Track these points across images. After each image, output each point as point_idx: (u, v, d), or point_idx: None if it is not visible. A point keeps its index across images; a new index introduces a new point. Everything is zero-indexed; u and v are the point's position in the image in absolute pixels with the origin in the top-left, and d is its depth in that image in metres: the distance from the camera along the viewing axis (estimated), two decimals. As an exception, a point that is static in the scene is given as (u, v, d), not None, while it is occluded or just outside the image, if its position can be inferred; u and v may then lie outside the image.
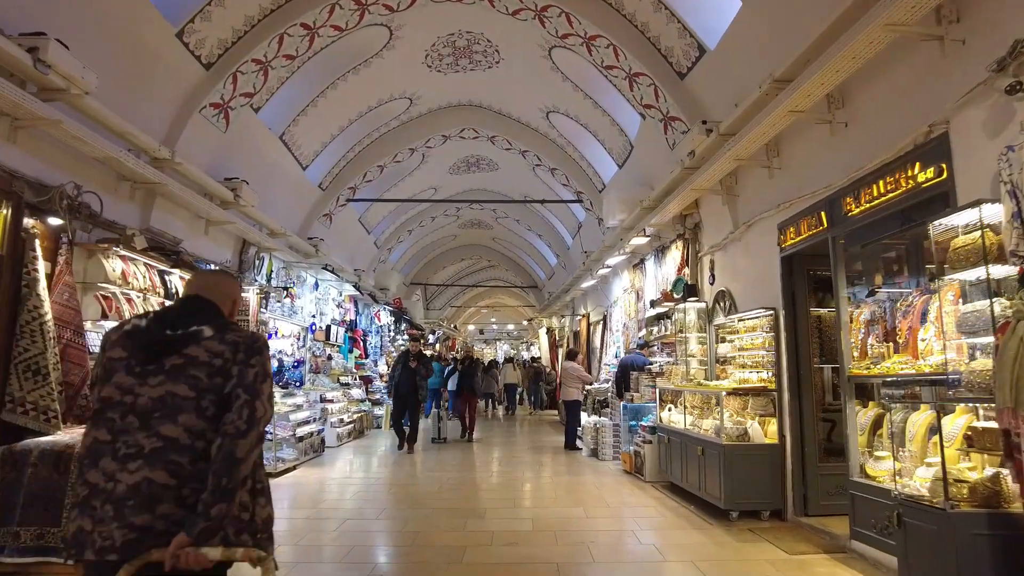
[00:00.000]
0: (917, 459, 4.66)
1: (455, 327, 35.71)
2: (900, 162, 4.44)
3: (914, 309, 4.96)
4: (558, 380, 22.69)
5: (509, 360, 24.37)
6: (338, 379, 13.39)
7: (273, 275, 10.44)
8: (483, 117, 12.00)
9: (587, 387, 12.01)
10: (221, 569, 1.84)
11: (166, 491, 1.76)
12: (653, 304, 9.40)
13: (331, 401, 12.21)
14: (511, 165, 13.73)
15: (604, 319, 14.09)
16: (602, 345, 14.01)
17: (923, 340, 4.76)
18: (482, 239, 22.03)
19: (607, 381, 12.30)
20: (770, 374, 6.35)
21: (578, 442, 11.51)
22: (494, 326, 41.24)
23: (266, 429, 1.90)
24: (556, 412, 19.06)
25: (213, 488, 1.75)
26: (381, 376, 16.24)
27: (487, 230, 20.56)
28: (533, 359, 26.55)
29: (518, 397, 22.05)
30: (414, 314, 21.99)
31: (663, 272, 9.64)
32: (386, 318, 17.90)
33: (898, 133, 4.52)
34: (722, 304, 7.66)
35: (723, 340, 7.73)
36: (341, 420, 12.44)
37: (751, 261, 6.96)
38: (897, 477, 4.74)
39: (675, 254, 9.07)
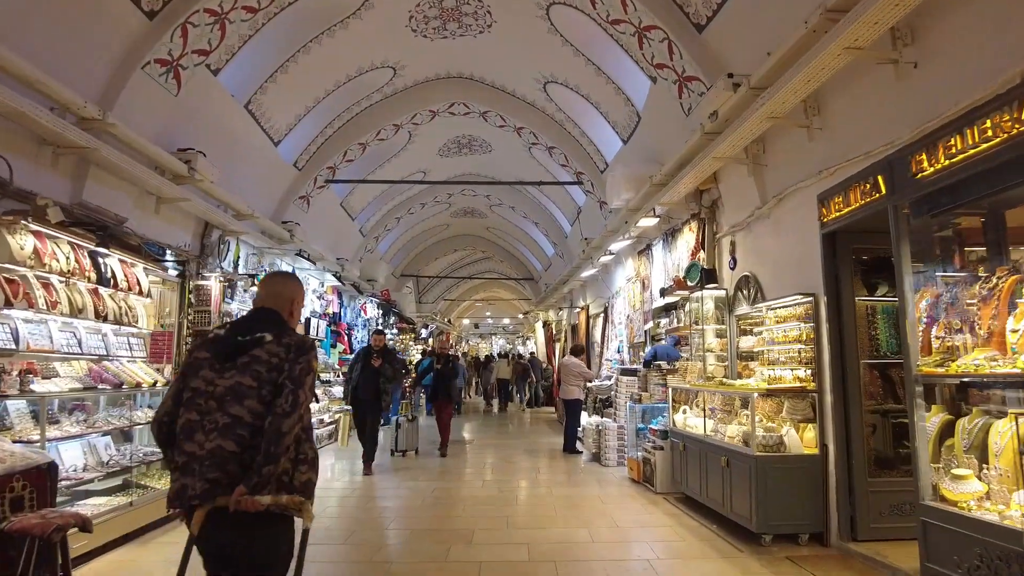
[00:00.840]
0: (1010, 480, 3.72)
1: (449, 321, 34.73)
2: (999, 103, 3.47)
3: (998, 293, 4.01)
4: (555, 376, 21.86)
5: (504, 355, 23.57)
6: (318, 376, 12.41)
7: (241, 262, 9.43)
8: (474, 90, 10.98)
9: (587, 384, 11.06)
10: (270, 514, 2.29)
11: (232, 456, 2.31)
12: (663, 293, 8.44)
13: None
14: (505, 146, 12.73)
15: (605, 311, 13.13)
16: (603, 339, 13.06)
17: (1014, 332, 3.82)
18: (476, 229, 21.02)
19: (609, 378, 11.37)
20: (808, 372, 5.39)
21: (578, 444, 10.56)
22: (489, 320, 40.27)
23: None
24: (554, 410, 18.14)
25: (264, 453, 2.29)
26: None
27: (481, 219, 19.55)
28: (519, 356, 25.84)
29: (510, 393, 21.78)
30: (404, 307, 21.00)
31: (673, 258, 8.68)
32: (373, 311, 16.90)
33: (991, 69, 3.56)
34: (745, 291, 6.70)
35: (746, 332, 6.78)
36: (321, 421, 11.48)
37: (783, 240, 6.00)
38: (984, 502, 3.81)
39: (688, 237, 8.11)
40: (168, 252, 7.59)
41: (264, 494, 2.24)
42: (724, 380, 6.15)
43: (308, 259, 11.11)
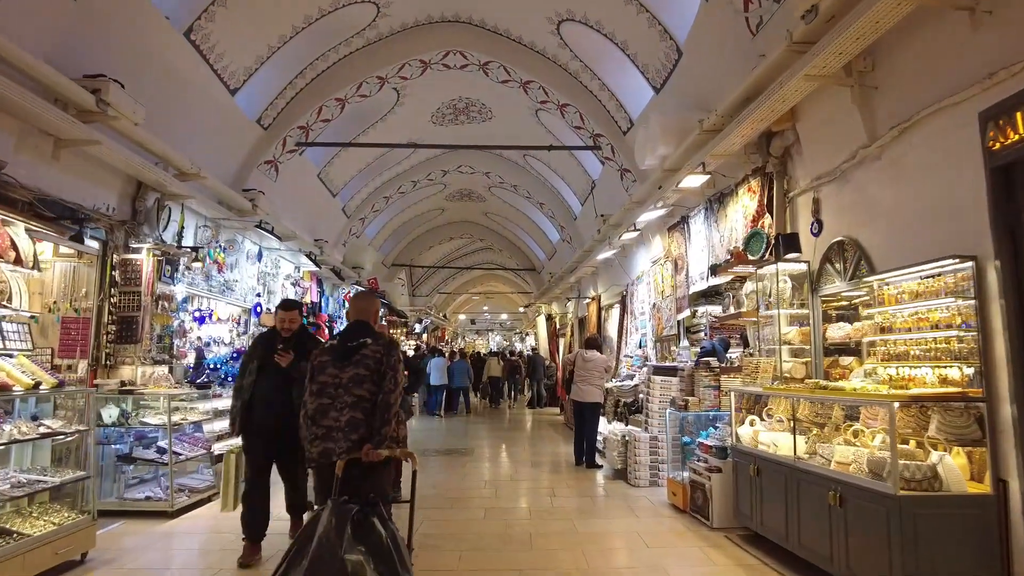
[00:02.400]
0: None
1: (444, 316, 33.02)
2: None
3: None
4: (559, 374, 20.13)
5: (495, 353, 22.25)
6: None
7: (188, 234, 7.70)
8: (473, 37, 9.27)
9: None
10: (387, 462, 3.62)
11: (360, 423, 3.53)
12: (715, 271, 6.75)
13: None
14: (509, 109, 11.02)
15: (623, 300, 11.44)
16: (621, 332, 11.36)
17: None
18: (473, 214, 19.29)
19: (630, 377, 9.68)
20: (966, 370, 3.70)
21: (597, 456, 8.88)
22: (486, 315, 38.55)
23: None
24: (559, 412, 16.45)
25: (380, 420, 3.52)
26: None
27: (479, 203, 17.82)
28: (511, 354, 24.54)
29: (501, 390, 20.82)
30: (395, 299, 19.28)
31: (722, 231, 6.98)
32: (359, 301, 15.18)
33: None
34: (838, 263, 5.01)
35: (840, 318, 5.09)
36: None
37: (908, 187, 4.30)
38: None
39: (745, 200, 6.41)
40: (81, 216, 5.84)
41: (382, 448, 3.49)
42: (833, 385, 4.43)
43: (273, 234, 9.37)
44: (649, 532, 5.49)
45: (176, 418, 6.41)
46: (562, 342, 19.27)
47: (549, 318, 20.76)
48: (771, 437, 4.93)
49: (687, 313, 8.07)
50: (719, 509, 5.49)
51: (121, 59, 5.87)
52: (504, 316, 38.49)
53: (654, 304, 9.44)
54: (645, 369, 9.60)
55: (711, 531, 5.44)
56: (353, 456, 3.40)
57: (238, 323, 9.89)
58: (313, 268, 12.17)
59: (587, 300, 14.47)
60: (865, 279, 4.61)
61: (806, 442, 4.49)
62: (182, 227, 7.47)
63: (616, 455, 7.87)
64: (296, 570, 2.72)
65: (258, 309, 10.15)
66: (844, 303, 5.11)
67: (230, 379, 8.30)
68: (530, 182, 14.40)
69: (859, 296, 4.85)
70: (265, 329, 6.28)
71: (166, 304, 7.05)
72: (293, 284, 11.72)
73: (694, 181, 6.58)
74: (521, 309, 26.92)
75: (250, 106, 8.41)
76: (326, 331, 13.19)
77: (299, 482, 5.08)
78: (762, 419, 5.26)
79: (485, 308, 36.83)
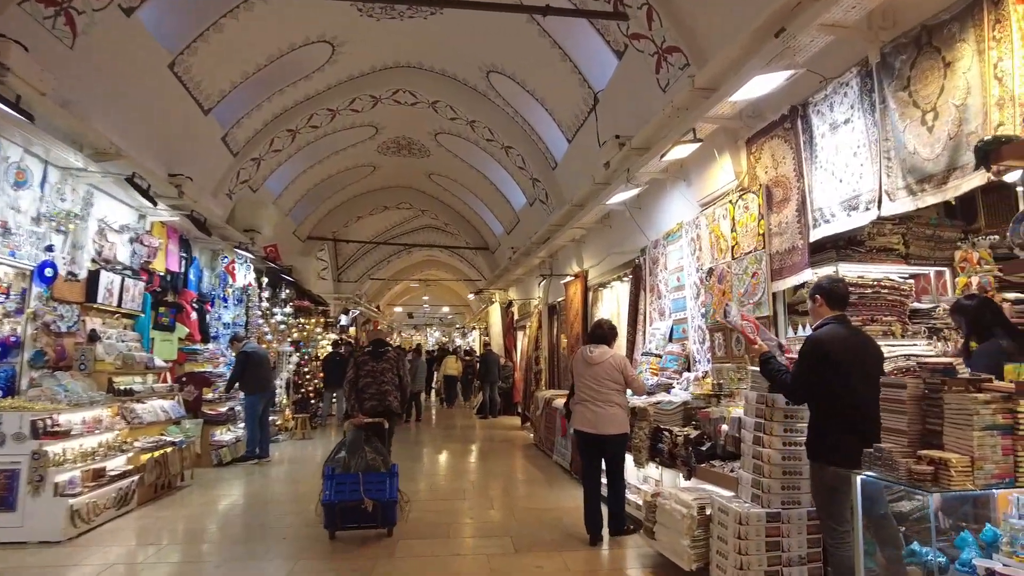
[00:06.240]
0: None
1: (378, 308, 28.75)
2: None
3: None
4: (516, 376, 16.41)
5: (453, 351, 18.84)
6: (111, 383, 6.56)
7: None
8: None
9: (634, 402, 5.75)
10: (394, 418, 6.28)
11: (387, 394, 6.08)
12: (998, 154, 3.08)
13: (66, 434, 5.42)
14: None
15: (635, 272, 7.80)
16: (634, 321, 7.71)
17: None
18: (414, 175, 15.28)
19: (665, 388, 6.13)
20: None
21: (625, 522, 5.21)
22: (426, 307, 34.41)
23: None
24: (525, 425, 12.73)
25: (401, 397, 6.27)
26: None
27: (421, 158, 13.86)
28: (468, 352, 21.26)
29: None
30: (311, 282, 15.09)
31: (928, 100, 3.41)
32: (250, 276, 10.93)
33: None
34: None
35: None
36: (96, 475, 5.68)
37: None
38: None
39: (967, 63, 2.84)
40: None
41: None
42: None
43: (26, 114, 5.16)
44: None
45: None
46: (522, 337, 15.58)
47: (508, 306, 16.98)
48: None
49: (806, 276, 4.48)
50: None
51: None
52: (446, 309, 34.48)
53: (710, 270, 5.83)
54: (688, 376, 6.04)
55: None
56: (381, 414, 5.97)
57: (7, 294, 5.74)
58: (169, 218, 8.01)
59: (567, 279, 10.78)
60: None
61: None
62: None
63: (674, 531, 4.19)
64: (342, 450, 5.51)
65: (47, 271, 5.99)
66: None
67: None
68: (493, 115, 10.56)
69: None
70: None
71: None
72: (132, 241, 7.53)
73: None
74: (471, 296, 22.95)
75: None
76: (194, 316, 9.01)
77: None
78: None
79: (426, 299, 32.67)
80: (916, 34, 3.50)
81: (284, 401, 12.14)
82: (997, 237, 3.99)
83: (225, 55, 7.61)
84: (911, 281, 4.57)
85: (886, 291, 4.36)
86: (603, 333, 5.68)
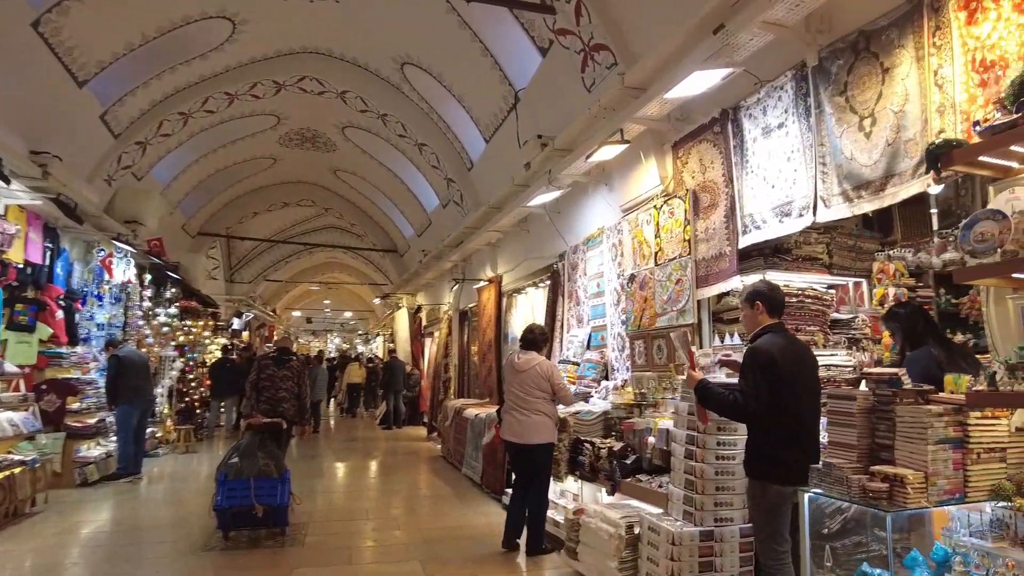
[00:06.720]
0: None
1: (274, 311, 27.24)
2: None
3: None
4: (423, 384, 15.84)
5: (355, 358, 18.12)
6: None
7: None
8: None
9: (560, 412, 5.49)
10: (290, 425, 6.28)
11: (285, 402, 6.09)
12: (946, 159, 3.00)
13: None
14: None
15: (553, 278, 7.60)
16: (556, 326, 7.47)
17: None
18: (317, 170, 14.46)
19: (584, 398, 5.92)
20: None
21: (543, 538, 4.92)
22: (327, 312, 32.99)
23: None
24: (434, 435, 12.23)
25: (300, 407, 6.24)
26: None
27: (327, 152, 13.10)
28: (371, 359, 20.55)
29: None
30: (196, 278, 13.89)
31: (866, 106, 3.37)
32: (130, 272, 9.80)
33: None
34: None
35: None
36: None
37: None
38: None
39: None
40: None
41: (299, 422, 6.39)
42: None
43: None
44: None
45: None
46: (430, 343, 15.08)
47: (416, 312, 16.41)
48: None
49: (734, 284, 4.39)
50: None
51: None
52: (348, 314, 33.22)
53: (631, 276, 5.68)
54: (607, 385, 5.86)
55: None
56: (275, 420, 5.95)
57: None
58: (29, 201, 6.97)
59: (481, 284, 10.46)
60: None
61: None
62: None
63: (611, 560, 3.95)
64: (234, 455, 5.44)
65: None
66: None
67: None
68: (407, 110, 10.09)
69: None
70: None
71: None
72: (-20, 226, 6.46)
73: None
74: (376, 300, 22.11)
75: None
76: (60, 316, 7.94)
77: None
78: None
79: (327, 303, 31.30)
80: (854, 39, 3.46)
81: (166, 411, 11.03)
82: (911, 252, 4.06)
83: (105, 20, 6.71)
84: (832, 291, 4.60)
85: (810, 300, 4.34)
86: (533, 338, 5.41)
